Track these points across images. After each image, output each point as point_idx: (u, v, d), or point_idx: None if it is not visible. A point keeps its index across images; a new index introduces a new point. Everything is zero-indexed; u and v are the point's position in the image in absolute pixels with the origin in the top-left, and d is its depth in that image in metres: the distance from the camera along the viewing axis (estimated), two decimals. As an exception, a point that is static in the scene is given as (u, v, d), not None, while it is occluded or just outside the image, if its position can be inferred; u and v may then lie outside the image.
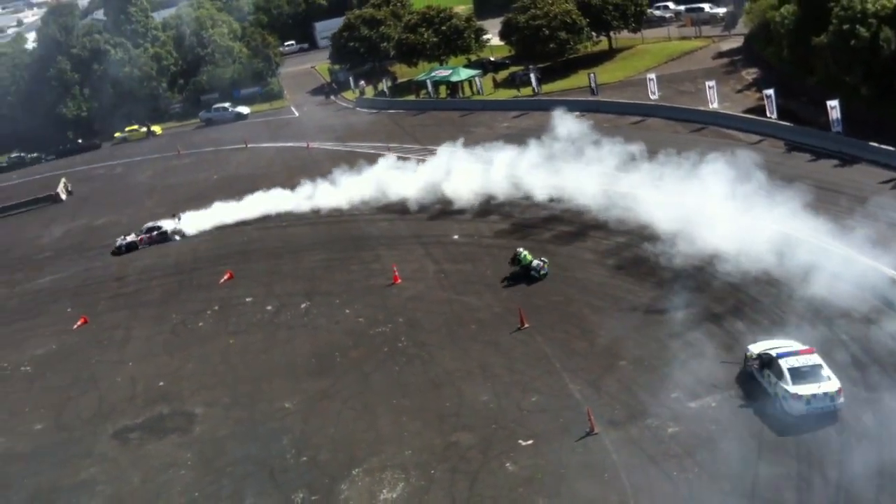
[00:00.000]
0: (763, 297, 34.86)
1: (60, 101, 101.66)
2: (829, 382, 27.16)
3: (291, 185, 61.17)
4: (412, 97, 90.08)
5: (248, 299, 46.40)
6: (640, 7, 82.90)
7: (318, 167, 64.16)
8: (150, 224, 59.86)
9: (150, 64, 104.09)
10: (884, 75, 49.61)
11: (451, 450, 29.76)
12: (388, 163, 60.49)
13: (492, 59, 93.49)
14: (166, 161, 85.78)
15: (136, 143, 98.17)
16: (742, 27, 77.96)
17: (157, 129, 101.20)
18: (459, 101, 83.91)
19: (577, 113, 63.40)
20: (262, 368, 38.63)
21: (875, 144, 47.21)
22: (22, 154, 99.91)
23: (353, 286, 45.21)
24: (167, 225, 59.25)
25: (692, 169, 44.99)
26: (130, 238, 58.95)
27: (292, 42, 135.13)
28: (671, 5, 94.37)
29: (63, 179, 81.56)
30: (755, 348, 29.96)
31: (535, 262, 41.45)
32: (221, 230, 58.49)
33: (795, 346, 29.15)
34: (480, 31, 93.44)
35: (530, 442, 29.22)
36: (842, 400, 27.01)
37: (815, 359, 28.02)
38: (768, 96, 56.11)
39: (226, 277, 49.55)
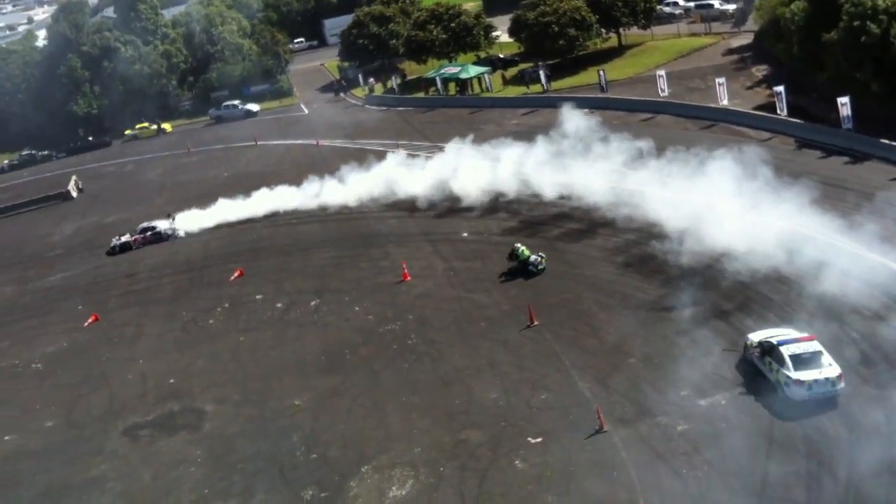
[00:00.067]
0: (772, 294, 34.74)
1: (71, 98, 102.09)
2: (830, 368, 27.67)
3: (301, 182, 61.18)
4: (421, 94, 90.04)
5: (258, 297, 46.52)
6: (650, 4, 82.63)
7: (327, 164, 64.23)
8: (144, 224, 60.21)
9: (159, 61, 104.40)
10: (895, 72, 49.37)
11: (461, 447, 29.79)
12: (396, 160, 60.52)
13: (501, 56, 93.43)
14: (176, 158, 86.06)
15: (146, 140, 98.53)
16: (752, 24, 77.61)
17: (167, 126, 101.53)
18: (469, 99, 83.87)
19: (587, 110, 63.28)
20: (272, 366, 38.76)
21: (886, 141, 46.97)
22: (33, 152, 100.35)
23: (362, 284, 45.28)
24: (161, 225, 59.56)
25: (701, 166, 44.84)
26: (125, 238, 59.32)
27: (302, 39, 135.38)
28: (681, 2, 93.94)
29: (74, 177, 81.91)
30: (755, 336, 30.45)
31: (533, 258, 41.69)
32: (230, 228, 58.63)
33: (794, 333, 29.69)
34: (489, 28, 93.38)
35: (539, 439, 29.24)
36: (842, 385, 27.50)
37: (816, 345, 28.52)
38: (778, 93, 55.91)
39: (236, 275, 49.70)
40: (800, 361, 27.88)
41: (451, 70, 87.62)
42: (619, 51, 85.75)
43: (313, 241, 53.14)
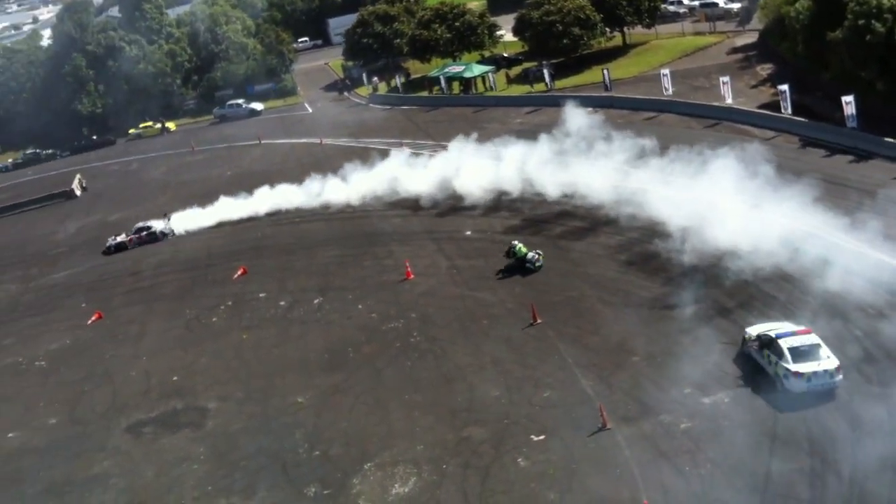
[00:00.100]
0: (775, 292, 34.73)
1: (75, 97, 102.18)
2: (828, 360, 28.05)
3: (304, 181, 61.18)
4: (425, 93, 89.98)
5: (261, 295, 46.53)
6: (654, 2, 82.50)
7: (331, 163, 64.20)
8: (139, 224, 60.47)
9: (164, 60, 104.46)
10: (900, 70, 49.37)
11: (463, 445, 29.78)
12: (400, 158, 60.49)
13: (505, 55, 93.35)
14: (180, 157, 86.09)
15: (150, 139, 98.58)
16: (756, 22, 77.56)
17: (171, 125, 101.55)
18: (472, 98, 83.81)
19: (590, 109, 63.25)
20: (275, 363, 38.76)
21: (891, 140, 46.87)
22: (37, 150, 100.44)
23: (365, 282, 45.28)
24: (157, 225, 59.74)
25: (704, 164, 44.82)
26: (120, 238, 59.55)
27: (306, 38, 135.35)
28: (685, 0, 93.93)
29: (78, 176, 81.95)
30: (753, 330, 30.82)
31: (530, 255, 41.97)
32: (233, 226, 58.68)
33: (792, 327, 30.06)
34: (494, 27, 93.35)
35: (542, 437, 29.22)
36: (840, 377, 27.84)
37: (814, 338, 28.88)
38: (783, 92, 55.83)
39: (239, 273, 49.72)
40: (798, 354, 28.24)
41: (455, 69, 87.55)
42: (623, 50, 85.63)
43: (317, 239, 53.15)
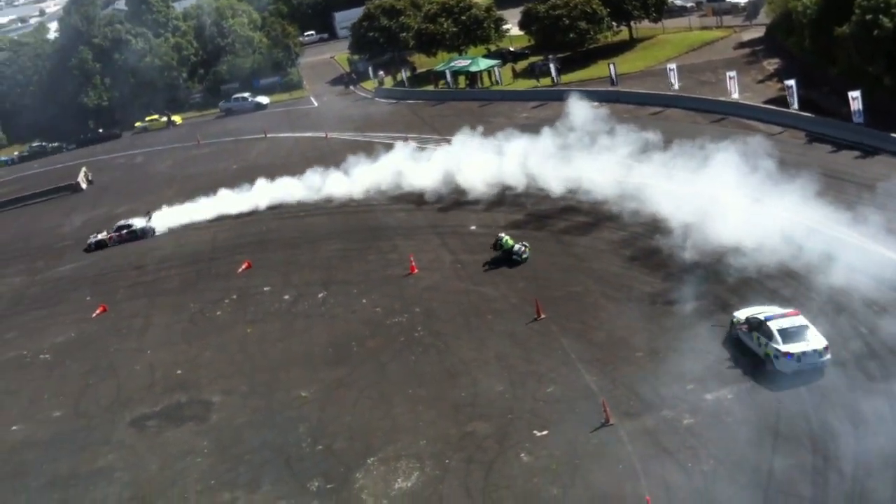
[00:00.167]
0: (778, 288, 34.65)
1: (82, 90, 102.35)
2: (817, 340, 28.96)
3: (307, 174, 61.20)
4: (431, 87, 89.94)
5: (265, 289, 46.59)
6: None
7: (336, 157, 64.16)
8: (121, 222, 60.93)
9: (170, 54, 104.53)
10: (907, 66, 49.14)
11: (467, 439, 29.80)
12: (404, 152, 60.44)
13: (511, 49, 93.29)
14: (186, 150, 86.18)
15: (156, 132, 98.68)
16: (764, 17, 77.29)
17: (177, 118, 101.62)
18: (478, 92, 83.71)
19: (596, 103, 63.14)
20: (279, 357, 38.81)
21: (897, 135, 46.81)
22: (43, 143, 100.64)
23: (370, 276, 45.30)
24: (137, 223, 60.10)
25: (709, 159, 44.68)
26: (101, 236, 59.91)
27: (312, 32, 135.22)
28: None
29: (84, 169, 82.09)
30: (740, 314, 31.63)
31: (517, 247, 42.65)
32: (236, 220, 58.80)
33: (779, 309, 30.93)
34: (500, 21, 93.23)
35: (545, 432, 29.22)
36: (829, 356, 28.70)
37: (801, 320, 29.89)
38: (789, 87, 55.66)
39: (244, 267, 49.76)
40: (788, 335, 29.07)
41: (461, 63, 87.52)
42: (629, 44, 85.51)
43: (321, 233, 53.19)
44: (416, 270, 44.22)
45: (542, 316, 36.73)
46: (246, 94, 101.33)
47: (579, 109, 56.03)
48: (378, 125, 77.47)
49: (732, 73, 61.43)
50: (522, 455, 28.36)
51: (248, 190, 61.31)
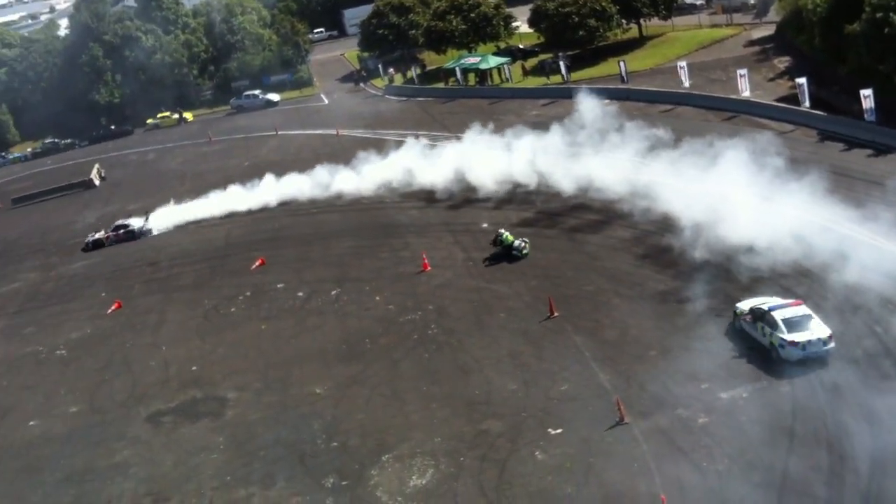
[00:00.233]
0: (793, 286, 34.66)
1: (93, 87, 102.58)
2: (821, 329, 29.67)
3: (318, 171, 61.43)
4: (441, 85, 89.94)
5: (279, 285, 46.79)
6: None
7: (347, 154, 64.33)
8: (118, 222, 61.47)
9: (180, 51, 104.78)
10: (918, 64, 49.08)
11: (481, 437, 29.93)
12: (413, 149, 60.58)
13: (521, 46, 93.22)
14: (197, 147, 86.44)
15: (167, 129, 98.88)
16: (774, 15, 77.24)
17: (188, 115, 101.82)
18: (488, 89, 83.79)
19: (606, 101, 63.18)
20: (292, 354, 39.01)
21: (909, 134, 46.79)
22: (56, 140, 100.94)
23: (382, 273, 45.48)
24: (135, 223, 60.53)
25: (720, 158, 44.65)
26: (98, 235, 60.39)
27: (322, 29, 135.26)
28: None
29: (96, 165, 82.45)
30: (743, 305, 32.34)
31: (517, 243, 43.23)
32: (251, 217, 59.06)
33: (781, 300, 31.69)
34: (509, 19, 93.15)
35: (559, 431, 29.33)
36: (833, 345, 29.39)
37: (805, 309, 30.61)
38: (800, 85, 55.63)
39: (257, 263, 49.98)
40: (792, 324, 29.74)
41: (471, 60, 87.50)
42: (639, 41, 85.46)
43: (334, 230, 53.37)
44: (428, 268, 44.37)
45: (556, 314, 36.83)
46: (257, 92, 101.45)
47: (589, 107, 56.10)
48: (388, 122, 77.58)
49: (743, 71, 61.36)
50: (536, 453, 28.47)
51: (257, 187, 61.51)
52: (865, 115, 49.96)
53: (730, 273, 36.51)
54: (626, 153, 50.94)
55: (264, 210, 59.60)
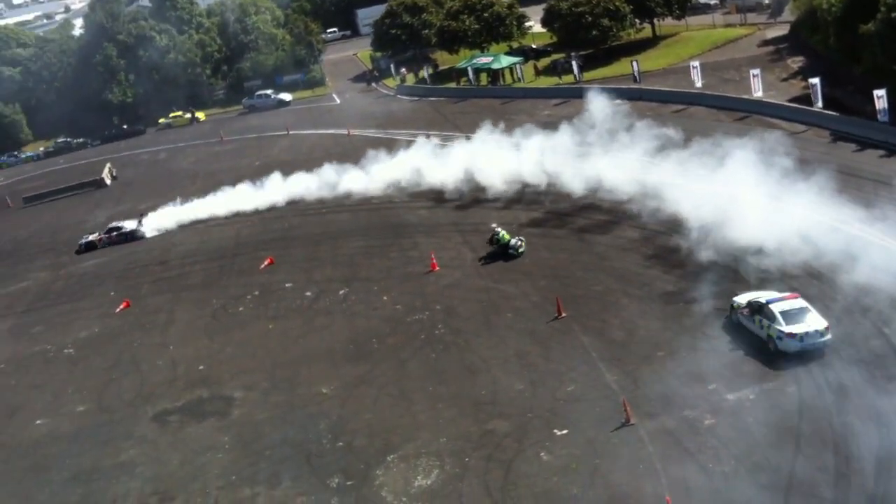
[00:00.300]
0: (802, 287, 34.32)
1: (106, 86, 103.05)
2: (818, 320, 30.09)
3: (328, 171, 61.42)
4: (453, 84, 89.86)
5: (287, 285, 46.78)
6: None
7: (358, 154, 64.31)
8: (112, 224, 61.70)
9: (194, 51, 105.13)
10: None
11: (487, 438, 29.80)
12: (423, 149, 60.47)
13: (533, 46, 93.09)
14: (209, 147, 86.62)
15: (179, 129, 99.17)
16: (788, 15, 76.85)
17: (200, 115, 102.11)
18: (500, 89, 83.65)
19: (619, 101, 62.93)
20: (300, 354, 38.99)
21: (923, 135, 46.38)
22: (68, 139, 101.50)
23: (391, 273, 45.40)
24: (128, 225, 60.72)
25: (732, 158, 44.35)
26: (91, 237, 60.63)
27: (335, 29, 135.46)
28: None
29: (108, 164, 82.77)
30: (741, 299, 32.77)
31: (513, 241, 43.55)
32: (260, 216, 59.12)
33: (778, 293, 32.05)
34: (522, 18, 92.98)
35: (565, 431, 29.18)
36: (829, 336, 29.82)
37: (802, 302, 31.00)
38: (814, 85, 55.24)
39: (266, 263, 50.00)
40: (790, 316, 30.22)
41: (484, 60, 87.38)
42: (652, 41, 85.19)
43: (343, 230, 53.35)
44: (437, 268, 44.26)
45: (563, 314, 36.65)
46: (269, 91, 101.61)
47: (600, 106, 55.90)
48: (400, 122, 77.52)
49: (756, 71, 61.02)
50: (542, 454, 28.32)
51: (266, 186, 61.54)
52: (878, 116, 49.56)
53: (738, 274, 36.25)
54: (635, 153, 50.72)
55: (273, 209, 59.58)
